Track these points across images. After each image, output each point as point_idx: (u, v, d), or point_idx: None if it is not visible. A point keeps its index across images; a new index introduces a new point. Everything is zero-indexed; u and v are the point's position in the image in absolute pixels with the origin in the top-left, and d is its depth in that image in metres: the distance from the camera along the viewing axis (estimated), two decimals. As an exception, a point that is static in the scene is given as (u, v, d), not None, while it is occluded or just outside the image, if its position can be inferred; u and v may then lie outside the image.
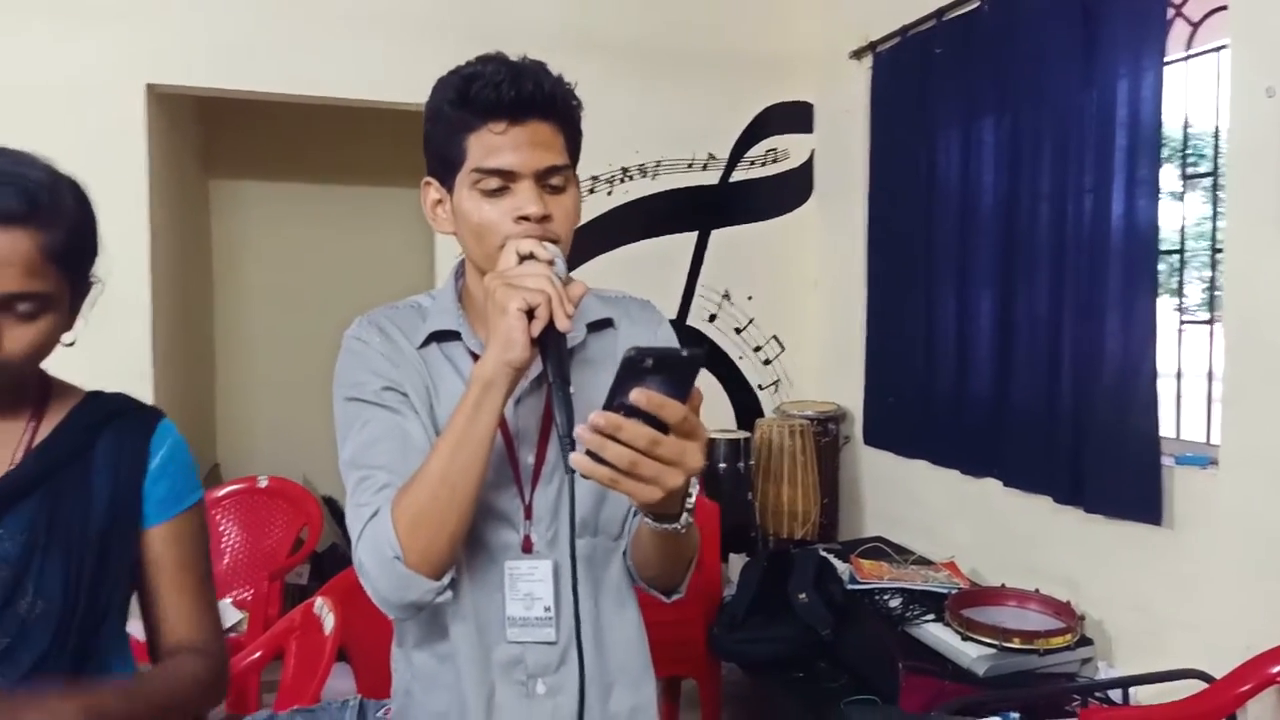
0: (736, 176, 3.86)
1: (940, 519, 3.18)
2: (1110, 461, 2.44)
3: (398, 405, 1.07)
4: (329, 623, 1.94)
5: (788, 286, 3.96)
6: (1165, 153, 2.34)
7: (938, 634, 2.51)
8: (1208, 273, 2.42)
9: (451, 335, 1.12)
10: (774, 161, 3.91)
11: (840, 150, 3.73)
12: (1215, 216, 2.36)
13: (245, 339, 4.85)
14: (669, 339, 1.21)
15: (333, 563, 4.15)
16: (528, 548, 1.09)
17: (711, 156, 3.81)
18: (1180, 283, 2.51)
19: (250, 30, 3.26)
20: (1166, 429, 2.41)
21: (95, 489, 1.03)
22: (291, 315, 4.78)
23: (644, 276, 3.64)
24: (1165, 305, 2.45)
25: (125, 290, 3.12)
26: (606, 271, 3.67)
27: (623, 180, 3.72)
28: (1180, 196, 2.46)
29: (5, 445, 1.01)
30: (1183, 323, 2.50)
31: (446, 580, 1.01)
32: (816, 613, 2.66)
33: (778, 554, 3.02)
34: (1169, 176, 2.41)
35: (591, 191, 3.65)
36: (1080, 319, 2.53)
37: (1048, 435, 2.63)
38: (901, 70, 3.31)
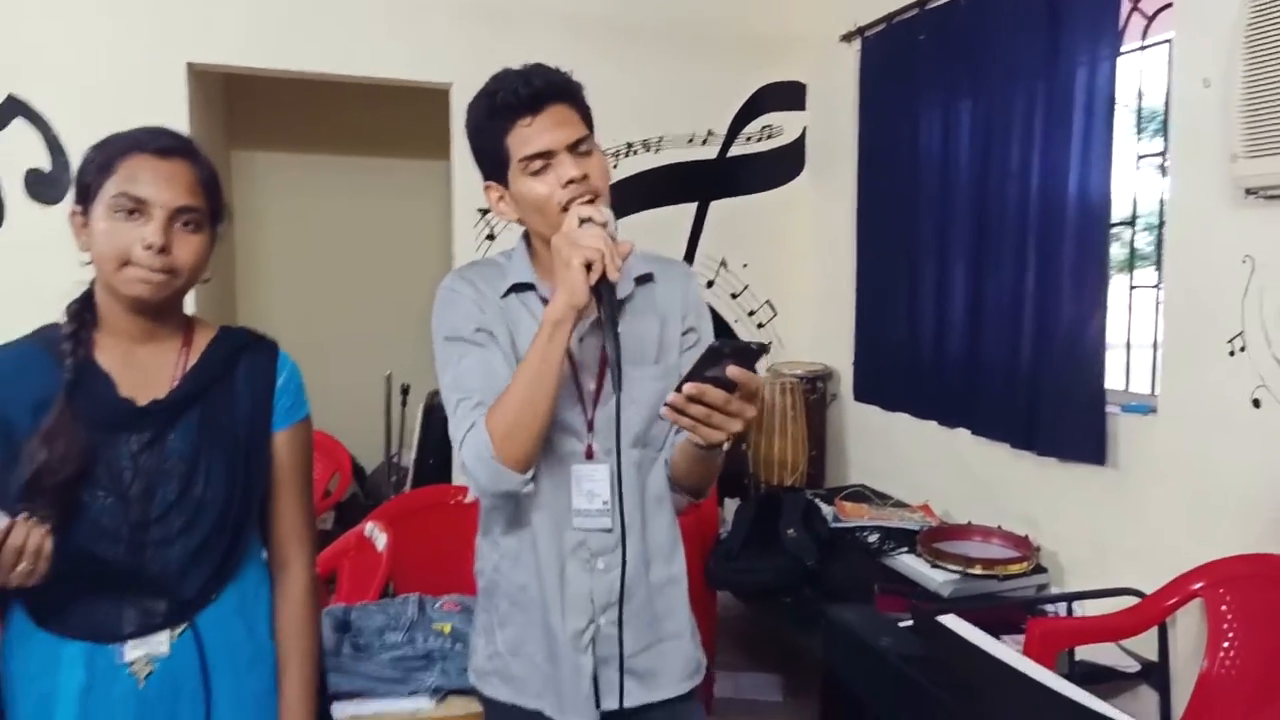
0: (734, 151, 4.13)
1: (917, 468, 3.49)
2: (1063, 411, 2.73)
3: (486, 342, 1.36)
4: (381, 541, 2.23)
5: (781, 255, 4.24)
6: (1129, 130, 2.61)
7: (910, 563, 2.82)
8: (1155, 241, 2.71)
9: (526, 287, 1.42)
10: (769, 138, 4.17)
11: (831, 128, 4.00)
12: (1163, 194, 2.63)
13: (265, 305, 5.10)
14: (696, 292, 1.52)
15: (353, 511, 4.45)
16: (590, 454, 1.39)
17: (710, 132, 4.07)
18: (1131, 251, 2.79)
19: (286, 11, 3.50)
20: (1116, 382, 2.72)
21: (238, 402, 1.31)
22: (311, 282, 5.04)
23: (647, 245, 3.86)
24: (1119, 272, 2.75)
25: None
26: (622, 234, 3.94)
27: (628, 154, 3.98)
28: (1136, 173, 2.74)
29: (165, 368, 1.28)
30: (1132, 287, 2.79)
31: (529, 475, 1.31)
32: (803, 545, 2.97)
33: (768, 496, 3.33)
34: (1128, 155, 2.69)
35: (599, 165, 3.91)
36: (1040, 285, 2.81)
37: (1010, 389, 2.93)
38: (888, 54, 3.57)
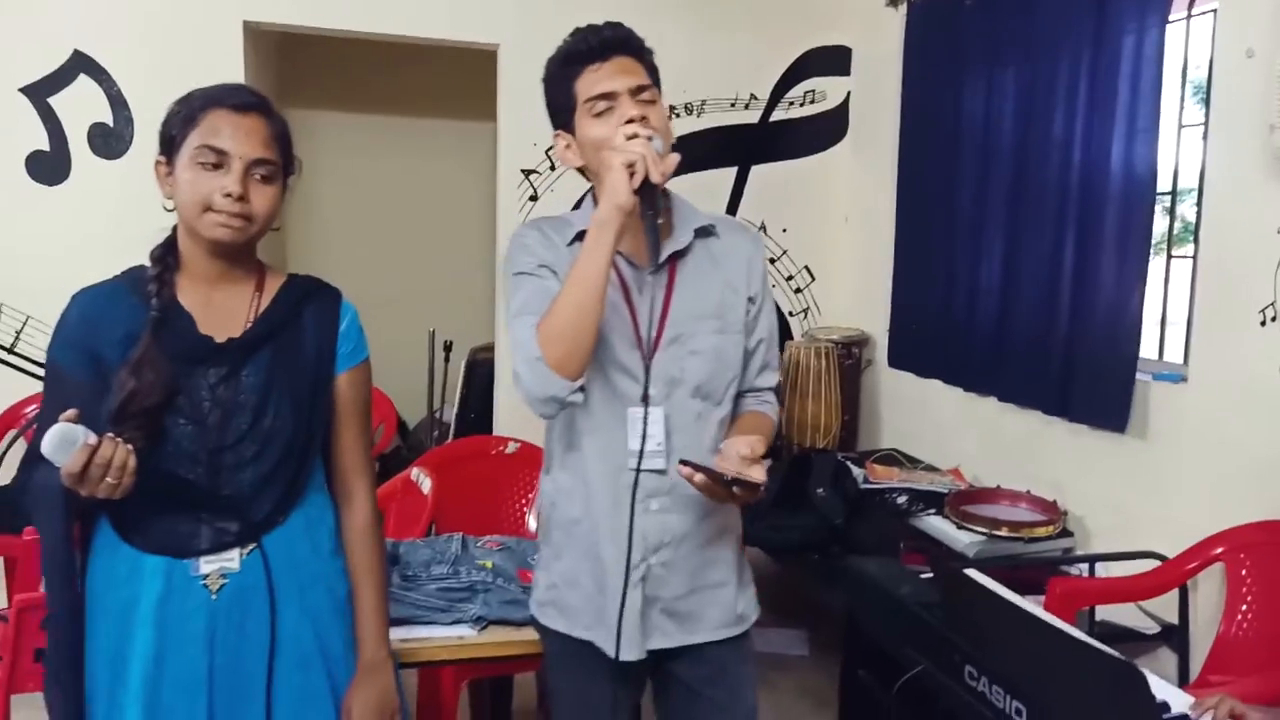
0: (776, 116, 4.15)
1: (949, 433, 3.53)
2: (1097, 381, 2.76)
3: (547, 276, 1.45)
4: (426, 485, 2.35)
5: (820, 221, 4.27)
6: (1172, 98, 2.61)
7: (937, 524, 2.89)
8: (1195, 211, 2.71)
9: None
10: (812, 103, 4.19)
11: (875, 94, 4.01)
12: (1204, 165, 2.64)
13: (313, 260, 5.23)
14: (762, 262, 1.58)
15: (396, 463, 4.59)
16: (646, 398, 1.45)
17: (753, 96, 4.10)
18: (1171, 220, 2.80)
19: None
20: (1150, 351, 2.74)
21: (305, 343, 1.41)
22: (357, 240, 5.15)
23: (687, 208, 3.96)
24: (1158, 244, 2.75)
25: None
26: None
27: (670, 118, 4.01)
28: (1178, 143, 2.74)
29: (240, 309, 1.39)
30: (1170, 257, 2.80)
31: (578, 384, 1.36)
32: (832, 505, 3.04)
33: (799, 458, 3.40)
34: (1171, 126, 2.69)
35: (641, 128, 3.96)
36: (1079, 255, 2.83)
37: (1045, 358, 2.95)
38: (933, 20, 3.57)
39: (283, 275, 1.47)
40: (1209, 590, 2.40)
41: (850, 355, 3.95)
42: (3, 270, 3.38)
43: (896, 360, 3.83)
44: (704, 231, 1.53)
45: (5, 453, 3.24)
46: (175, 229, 1.39)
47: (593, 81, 1.43)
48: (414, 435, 5.06)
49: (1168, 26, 2.59)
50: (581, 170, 1.51)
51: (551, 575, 1.55)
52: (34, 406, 3.35)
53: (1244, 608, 2.21)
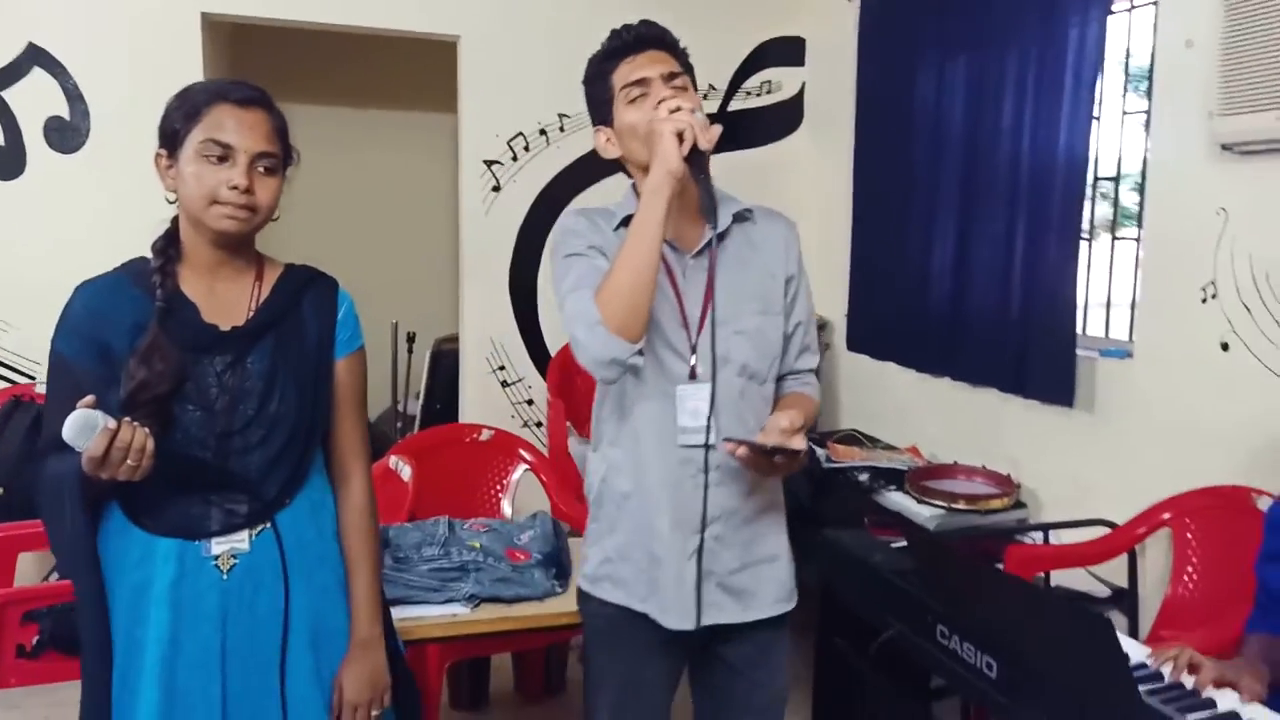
0: (734, 105, 4.23)
1: (906, 413, 3.65)
2: (1043, 358, 2.89)
3: (596, 255, 1.51)
4: (406, 473, 2.38)
5: (777, 208, 4.32)
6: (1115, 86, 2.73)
7: (898, 500, 2.99)
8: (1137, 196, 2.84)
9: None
10: (768, 92, 4.27)
11: (830, 84, 4.10)
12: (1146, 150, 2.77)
13: (275, 253, 5.19)
14: (798, 246, 1.68)
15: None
16: (693, 375, 1.52)
17: (711, 87, 4.17)
18: (1115, 204, 2.93)
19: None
20: (1097, 329, 2.87)
21: (307, 331, 1.45)
22: (316, 232, 5.09)
23: (648, 197, 4.02)
24: (1104, 228, 2.88)
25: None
26: (613, 193, 4.00)
27: (630, 108, 4.07)
28: (1121, 130, 2.86)
29: (241, 299, 1.43)
30: (1115, 239, 2.93)
31: (637, 347, 1.41)
32: (797, 483, 3.13)
33: (765, 440, 3.48)
34: (1114, 114, 2.82)
35: (602, 118, 4.02)
36: (1028, 238, 2.95)
37: (999, 338, 3.08)
38: (887, 12, 3.66)
39: (280, 265, 1.51)
40: (1156, 554, 2.53)
41: (810, 339, 4.04)
42: (-43, 267, 3.33)
43: (854, 344, 3.94)
44: (741, 216, 1.61)
45: (-34, 451, 3.19)
46: (174, 220, 1.42)
47: (628, 71, 1.53)
48: (375, 427, 5.06)
49: (1110, 18, 2.71)
50: (620, 164, 1.59)
51: (605, 550, 1.59)
52: (-6, 403, 3.30)
53: (1189, 569, 2.34)
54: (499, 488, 2.85)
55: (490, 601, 1.86)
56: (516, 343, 4.05)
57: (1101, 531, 2.55)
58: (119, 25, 3.39)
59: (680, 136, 1.39)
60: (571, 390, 3.75)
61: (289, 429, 1.40)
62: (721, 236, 1.54)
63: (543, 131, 3.97)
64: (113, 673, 1.33)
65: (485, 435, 2.87)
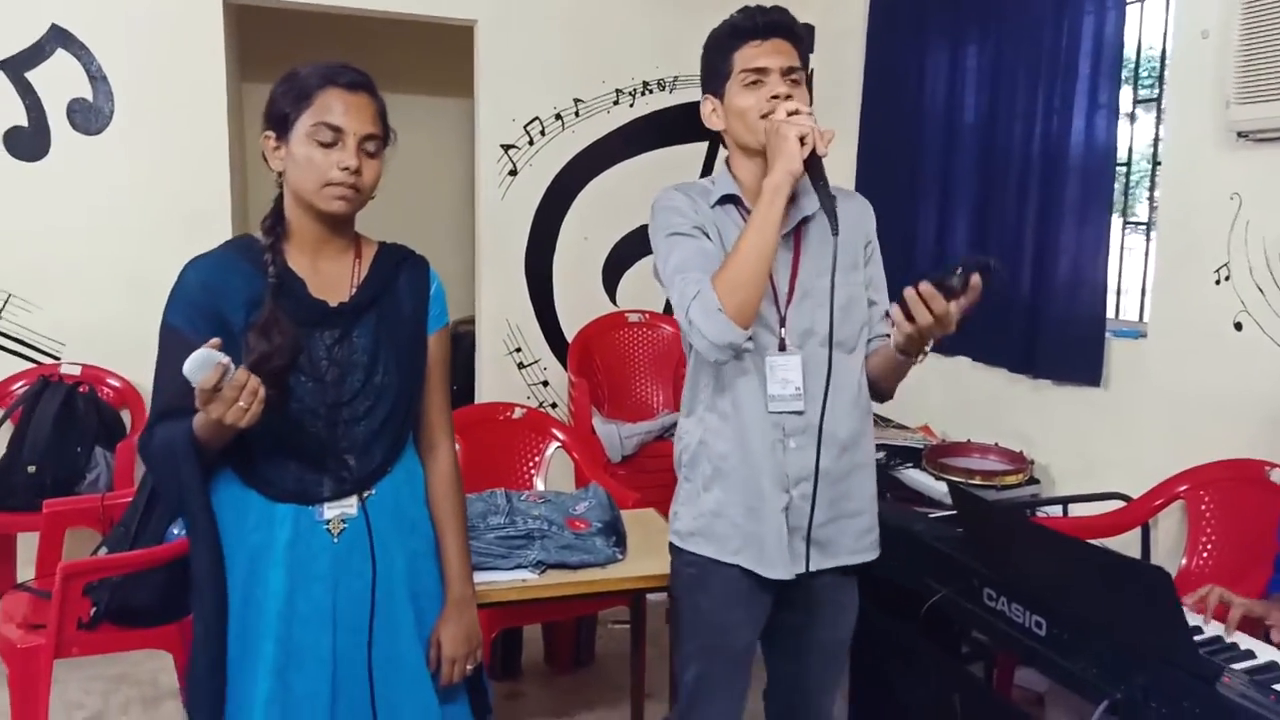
0: (744, 91, 4.28)
1: (916, 393, 3.71)
2: (1065, 338, 2.98)
3: (699, 235, 1.59)
4: (450, 448, 2.43)
5: (786, 192, 4.41)
6: (1125, 74, 2.83)
7: (916, 476, 3.09)
8: (1148, 183, 2.94)
9: (730, 199, 1.65)
10: (778, 78, 4.33)
11: (837, 69, 4.16)
12: (1157, 138, 2.87)
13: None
14: (873, 220, 1.75)
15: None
16: (783, 347, 1.61)
17: (722, 73, 4.22)
18: (1126, 190, 3.03)
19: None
20: (1108, 310, 2.98)
21: (404, 307, 1.52)
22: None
23: (658, 183, 4.02)
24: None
25: (211, 202, 3.52)
26: (627, 177, 4.11)
27: (643, 93, 4.13)
28: (1132, 118, 2.96)
29: (343, 276, 1.49)
30: (1126, 223, 3.03)
31: (749, 333, 1.51)
32: (818, 461, 3.22)
33: (781, 419, 3.57)
34: (1125, 100, 2.91)
35: (615, 103, 4.07)
36: (1042, 223, 3.04)
37: (1010, 319, 3.17)
38: (898, -1, 3.74)
39: (374, 243, 1.57)
40: (1168, 527, 2.64)
41: (819, 321, 4.12)
42: (-17, 248, 3.34)
43: (865, 325, 4.02)
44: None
45: (-6, 431, 3.22)
46: (278, 199, 1.47)
47: (751, 56, 1.58)
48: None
49: (1126, 8, 2.80)
50: (719, 136, 1.67)
51: (699, 507, 1.67)
52: (21, 383, 3.32)
53: (1205, 540, 2.45)
54: (531, 465, 2.91)
55: (556, 568, 1.93)
56: (532, 325, 4.11)
57: (1115, 505, 2.65)
58: (141, 6, 3.40)
59: (802, 140, 1.47)
60: (592, 371, 3.82)
61: (392, 400, 1.46)
62: (808, 218, 1.63)
63: (558, 116, 4.01)
64: (228, 627, 1.39)
65: (518, 414, 2.93)
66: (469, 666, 1.55)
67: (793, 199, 1.53)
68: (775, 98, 1.55)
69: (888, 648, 2.16)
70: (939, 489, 2.96)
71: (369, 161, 1.44)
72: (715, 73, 1.63)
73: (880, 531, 1.79)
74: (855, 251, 1.69)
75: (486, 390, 4.08)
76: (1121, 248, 3.01)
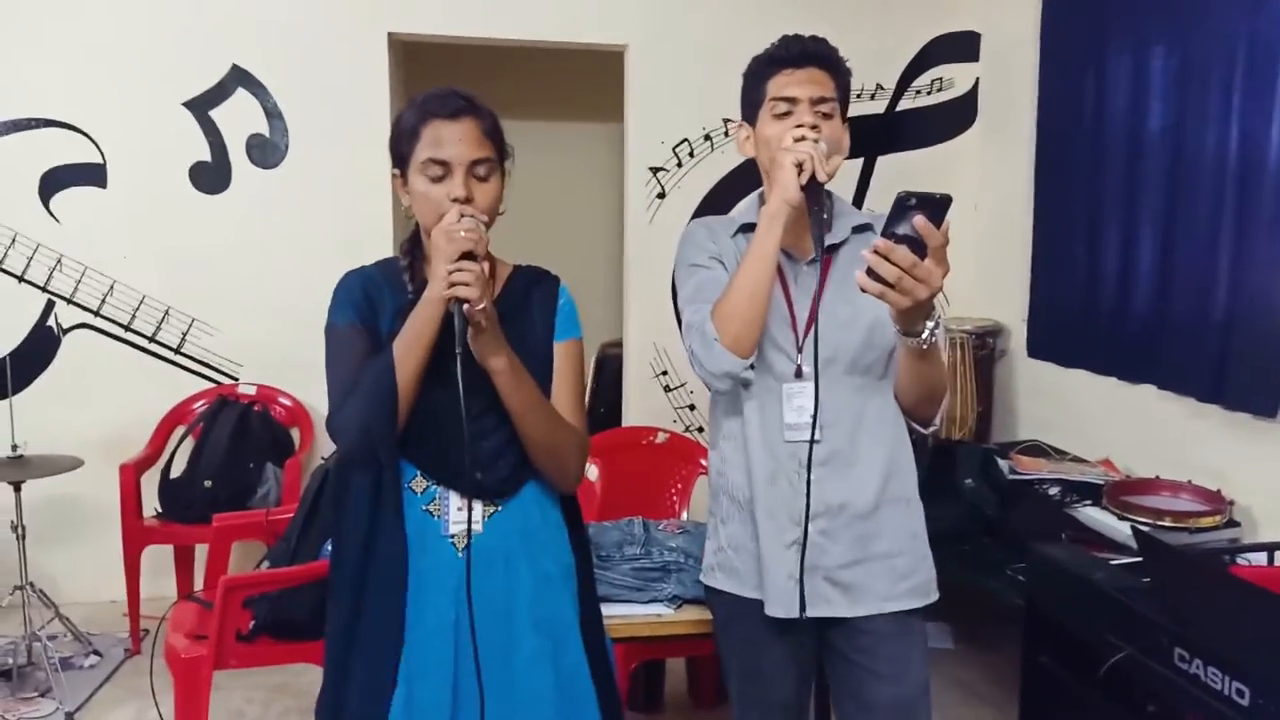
0: (903, 105, 4.12)
1: (1094, 423, 3.45)
2: (1261, 365, 2.67)
3: (715, 266, 1.59)
4: (593, 473, 2.41)
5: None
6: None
7: (1095, 515, 2.82)
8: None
9: (750, 228, 1.60)
10: (939, 90, 4.15)
11: (1006, 79, 3.94)
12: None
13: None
14: None
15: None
16: (799, 374, 1.55)
17: (880, 86, 4.08)
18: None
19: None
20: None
21: (535, 323, 1.52)
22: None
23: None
24: None
25: (373, 230, 3.65)
26: (779, 196, 4.01)
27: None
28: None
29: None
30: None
31: (748, 362, 1.50)
32: (983, 495, 3.01)
33: (941, 449, 3.37)
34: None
35: (767, 122, 3.99)
36: (1238, 239, 2.74)
37: (1200, 344, 2.86)
38: (1073, 1, 3.49)
39: (509, 265, 1.58)
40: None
41: (984, 345, 3.89)
42: (171, 275, 3.59)
43: (1036, 350, 3.76)
44: (862, 229, 1.62)
45: (175, 449, 3.43)
46: (416, 225, 1.50)
47: (782, 84, 1.56)
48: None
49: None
50: (755, 163, 1.63)
51: (719, 540, 1.65)
52: (202, 403, 3.54)
53: None
54: (674, 492, 2.85)
55: (692, 604, 1.85)
56: (679, 348, 4.04)
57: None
58: (314, 46, 3.59)
59: (800, 167, 1.43)
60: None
61: None
62: (838, 245, 1.58)
63: (707, 137, 3.97)
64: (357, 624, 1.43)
65: (661, 438, 2.88)
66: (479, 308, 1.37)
67: (828, 226, 1.48)
68: (800, 126, 1.49)
69: (1062, 701, 1.97)
70: (1122, 530, 2.69)
71: (480, 186, 1.43)
72: (750, 100, 1.62)
73: (1050, 575, 1.63)
74: None
75: (634, 413, 4.06)
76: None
